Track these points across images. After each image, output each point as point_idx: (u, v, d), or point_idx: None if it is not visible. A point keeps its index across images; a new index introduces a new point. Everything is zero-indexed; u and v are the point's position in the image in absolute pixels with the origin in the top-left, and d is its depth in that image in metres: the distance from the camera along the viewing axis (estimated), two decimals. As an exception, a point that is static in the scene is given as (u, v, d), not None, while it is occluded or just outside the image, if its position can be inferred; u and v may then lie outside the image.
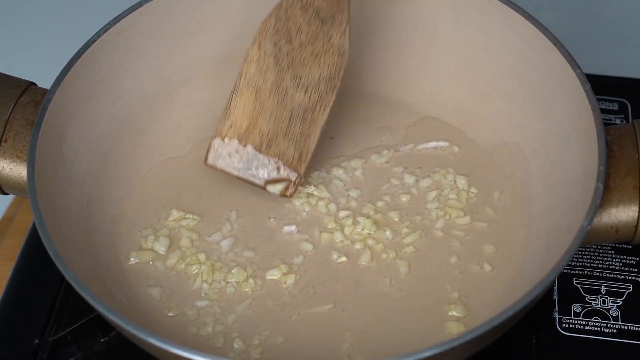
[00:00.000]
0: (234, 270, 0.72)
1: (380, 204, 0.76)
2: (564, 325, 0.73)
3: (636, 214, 0.66)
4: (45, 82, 0.74)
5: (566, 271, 0.76)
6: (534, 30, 0.73)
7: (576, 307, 0.74)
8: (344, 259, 0.73)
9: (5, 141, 0.70)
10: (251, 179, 0.74)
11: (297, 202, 0.76)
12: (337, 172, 0.78)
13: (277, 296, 0.71)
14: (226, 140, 0.74)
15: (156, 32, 0.78)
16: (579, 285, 0.76)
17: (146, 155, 0.79)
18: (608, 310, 0.74)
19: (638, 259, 0.77)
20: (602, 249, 0.78)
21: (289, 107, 0.73)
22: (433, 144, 0.80)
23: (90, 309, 0.66)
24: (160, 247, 0.74)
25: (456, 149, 0.79)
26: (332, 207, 0.76)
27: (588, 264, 0.77)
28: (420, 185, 0.77)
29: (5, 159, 0.70)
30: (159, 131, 0.80)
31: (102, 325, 0.72)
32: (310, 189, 0.77)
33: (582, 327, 0.73)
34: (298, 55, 0.72)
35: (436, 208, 0.75)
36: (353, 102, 0.83)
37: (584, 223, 0.62)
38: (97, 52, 0.74)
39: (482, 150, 0.79)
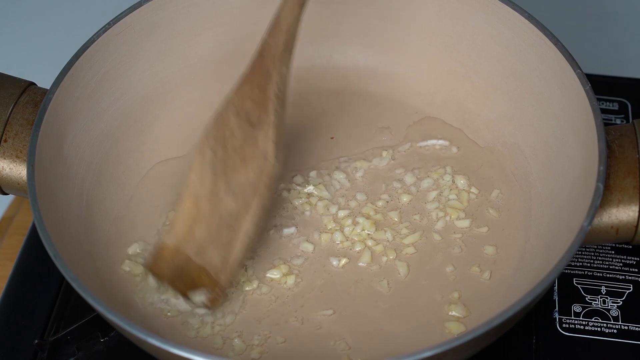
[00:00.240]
0: (234, 271, 0.72)
1: (380, 204, 0.76)
2: (564, 325, 0.73)
3: (636, 214, 0.66)
4: (45, 82, 0.74)
5: (566, 271, 0.76)
6: (534, 30, 0.73)
7: (576, 307, 0.74)
8: (344, 259, 0.73)
9: (5, 141, 0.70)
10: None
11: (297, 202, 0.76)
12: (337, 172, 0.78)
13: (277, 296, 0.71)
14: (167, 247, 0.70)
15: (156, 31, 0.78)
16: (579, 286, 0.75)
17: (146, 155, 0.79)
18: (608, 310, 0.74)
19: (638, 259, 0.77)
20: (602, 249, 0.78)
21: (219, 214, 0.70)
22: (433, 143, 0.80)
23: (90, 309, 0.66)
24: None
25: (456, 148, 0.79)
26: (332, 207, 0.76)
27: (588, 264, 0.77)
28: (420, 185, 0.77)
29: (5, 159, 0.70)
30: (159, 131, 0.80)
31: (102, 325, 0.72)
32: (310, 189, 0.77)
33: (582, 327, 0.73)
34: (230, 161, 0.70)
35: (436, 208, 0.75)
36: (353, 102, 0.83)
37: (584, 223, 0.62)
38: (96, 52, 0.74)
39: (482, 150, 0.79)
